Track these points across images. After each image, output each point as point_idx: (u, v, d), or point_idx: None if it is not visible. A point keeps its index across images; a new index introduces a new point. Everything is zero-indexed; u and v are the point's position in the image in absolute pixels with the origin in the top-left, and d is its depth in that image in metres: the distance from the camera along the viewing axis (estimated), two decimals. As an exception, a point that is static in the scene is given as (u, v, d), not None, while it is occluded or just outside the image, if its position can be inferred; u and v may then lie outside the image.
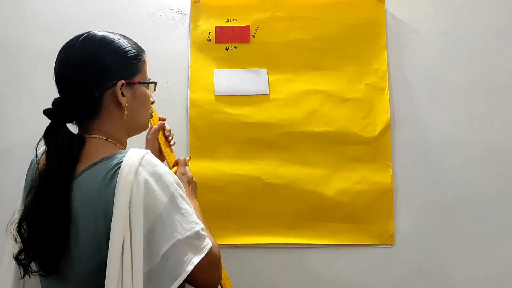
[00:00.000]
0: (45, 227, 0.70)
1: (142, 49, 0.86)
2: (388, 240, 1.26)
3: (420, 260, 1.26)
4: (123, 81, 0.79)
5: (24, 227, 0.73)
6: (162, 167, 0.73)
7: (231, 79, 1.30)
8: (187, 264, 0.70)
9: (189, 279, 0.72)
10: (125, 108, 0.80)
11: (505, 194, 1.27)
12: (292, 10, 1.32)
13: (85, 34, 0.80)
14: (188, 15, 1.34)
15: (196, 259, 0.71)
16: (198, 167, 1.27)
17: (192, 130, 1.29)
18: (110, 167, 0.71)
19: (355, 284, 1.26)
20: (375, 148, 1.27)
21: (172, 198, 0.71)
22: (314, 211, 1.26)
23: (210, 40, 1.32)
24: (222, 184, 1.27)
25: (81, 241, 0.70)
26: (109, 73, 0.78)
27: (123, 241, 0.66)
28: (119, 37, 0.82)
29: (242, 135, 1.29)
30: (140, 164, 0.70)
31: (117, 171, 0.69)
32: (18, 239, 0.74)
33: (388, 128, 1.28)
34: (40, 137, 0.76)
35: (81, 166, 0.74)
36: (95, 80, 0.77)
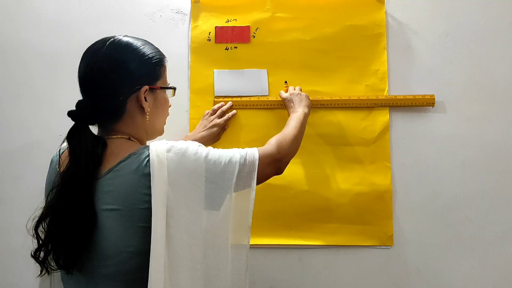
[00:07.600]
0: (70, 224, 0.72)
1: (163, 55, 0.88)
2: (387, 241, 1.26)
3: (419, 262, 1.26)
4: (147, 87, 0.81)
5: (43, 225, 0.75)
6: (181, 143, 0.78)
7: (231, 80, 1.30)
8: (252, 190, 0.81)
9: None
10: (147, 113, 0.82)
11: (504, 195, 1.27)
12: (292, 10, 1.31)
13: (111, 39, 0.81)
14: (188, 15, 1.34)
15: (254, 181, 0.81)
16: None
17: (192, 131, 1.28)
18: (140, 160, 0.74)
19: (354, 285, 1.26)
20: (374, 149, 1.27)
21: (206, 159, 0.78)
22: (313, 212, 1.26)
23: (210, 40, 1.32)
24: (222, 184, 1.27)
25: (111, 235, 0.72)
26: (134, 78, 0.80)
27: (172, 223, 0.73)
28: (143, 43, 0.84)
29: (242, 136, 1.29)
30: (166, 150, 0.75)
31: (148, 163, 0.73)
32: (35, 237, 0.76)
33: (387, 129, 1.28)
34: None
35: (106, 166, 0.76)
36: (121, 85, 0.79)
